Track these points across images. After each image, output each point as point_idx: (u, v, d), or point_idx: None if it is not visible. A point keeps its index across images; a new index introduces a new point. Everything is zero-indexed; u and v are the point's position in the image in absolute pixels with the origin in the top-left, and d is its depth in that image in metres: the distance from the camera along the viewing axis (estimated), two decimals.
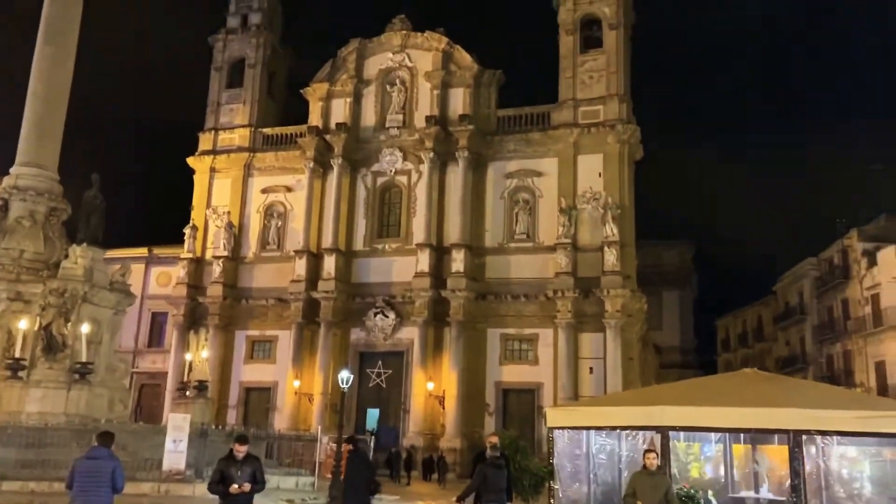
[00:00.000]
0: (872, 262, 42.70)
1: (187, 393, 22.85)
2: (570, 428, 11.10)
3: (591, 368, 38.89)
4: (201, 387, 22.20)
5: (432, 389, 39.72)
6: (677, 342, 69.80)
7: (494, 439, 10.79)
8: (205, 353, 22.93)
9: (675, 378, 62.69)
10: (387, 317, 42.06)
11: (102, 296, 19.23)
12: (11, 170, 20.79)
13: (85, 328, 17.54)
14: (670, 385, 14.80)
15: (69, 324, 17.97)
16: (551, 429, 11.22)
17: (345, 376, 22.02)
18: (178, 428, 16.48)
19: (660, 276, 66.07)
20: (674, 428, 9.75)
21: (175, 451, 16.44)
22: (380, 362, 42.25)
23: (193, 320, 44.07)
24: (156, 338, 49.12)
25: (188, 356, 23.61)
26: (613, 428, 10.46)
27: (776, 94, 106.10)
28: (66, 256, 19.15)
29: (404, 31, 45.99)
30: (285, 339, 43.54)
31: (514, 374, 40.14)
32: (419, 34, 45.73)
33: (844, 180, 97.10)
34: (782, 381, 13.87)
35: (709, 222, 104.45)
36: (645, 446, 9.59)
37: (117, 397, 19.82)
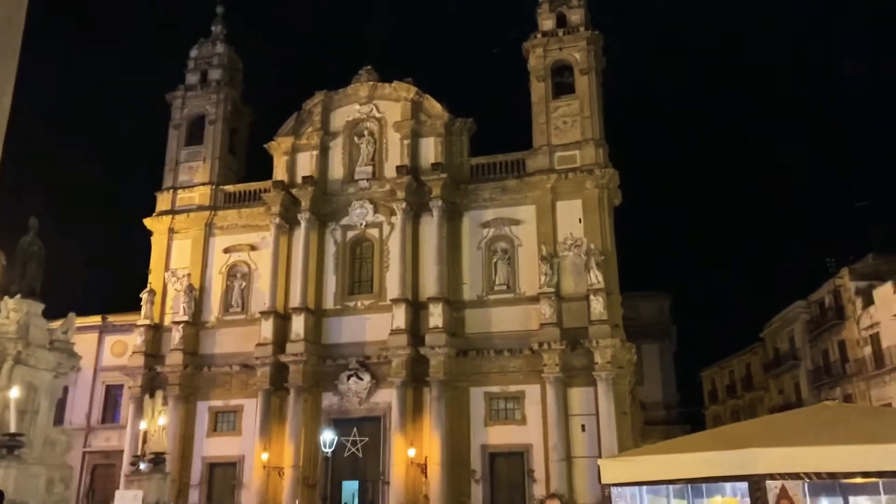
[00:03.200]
0: (869, 301, 41.44)
1: (142, 467, 19.86)
2: (635, 484, 8.82)
3: (583, 426, 36.42)
4: (158, 460, 19.25)
5: (413, 456, 36.71)
6: (660, 397, 67.51)
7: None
8: (162, 421, 20.06)
9: (660, 436, 60.45)
10: (361, 379, 39.26)
11: (40, 356, 16.51)
12: None
13: (14, 393, 14.74)
14: (738, 425, 12.55)
15: None
16: (608, 486, 8.90)
17: (327, 439, 19.32)
18: None
19: (638, 328, 64.21)
20: (776, 476, 7.54)
21: None
22: (355, 429, 39.13)
23: (151, 392, 40.43)
24: (110, 413, 45.33)
25: (143, 424, 20.69)
26: (693, 480, 8.23)
27: (753, 134, 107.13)
28: None
29: (371, 82, 44.65)
30: (251, 409, 40.35)
31: (501, 435, 37.42)
32: (387, 84, 44.42)
33: (823, 221, 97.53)
34: (879, 413, 11.64)
35: (684, 271, 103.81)
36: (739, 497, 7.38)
37: (57, 476, 16.85)
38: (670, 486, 10.36)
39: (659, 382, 68.06)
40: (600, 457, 35.22)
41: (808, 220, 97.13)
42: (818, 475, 7.58)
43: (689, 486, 10.41)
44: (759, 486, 7.53)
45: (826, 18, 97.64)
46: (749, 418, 62.07)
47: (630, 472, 9.07)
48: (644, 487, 9.08)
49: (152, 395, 21.81)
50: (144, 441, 20.63)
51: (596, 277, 37.26)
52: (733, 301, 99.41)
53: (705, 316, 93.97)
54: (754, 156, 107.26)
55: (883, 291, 40.37)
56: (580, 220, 39.40)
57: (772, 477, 7.58)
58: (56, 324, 17.97)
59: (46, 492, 16.06)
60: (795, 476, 7.53)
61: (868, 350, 41.16)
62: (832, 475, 7.58)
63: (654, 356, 68.96)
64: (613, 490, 8.90)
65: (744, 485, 9.07)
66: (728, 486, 11.31)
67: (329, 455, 19.64)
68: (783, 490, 7.43)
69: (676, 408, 67.11)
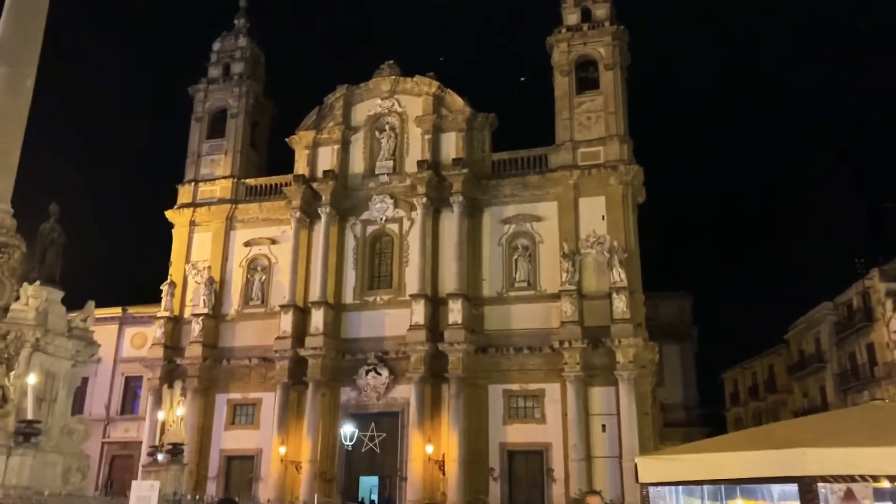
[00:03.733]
0: None
1: (159, 458, 19.72)
2: (674, 484, 8.43)
3: (603, 426, 35.92)
4: (176, 451, 19.10)
5: (431, 453, 36.42)
6: (680, 398, 66.64)
7: (595, 500, 8.18)
8: (180, 411, 19.92)
9: (680, 438, 59.68)
10: (380, 374, 39.01)
11: (58, 343, 16.36)
12: None
13: (32, 379, 14.60)
14: (783, 424, 12.09)
15: (12, 374, 15.05)
16: (645, 486, 8.51)
17: (348, 432, 19.04)
18: (143, 499, 13.48)
19: (658, 329, 63.33)
20: (828, 479, 7.11)
21: None
22: (373, 424, 38.90)
23: (170, 384, 40.44)
24: (129, 404, 45.53)
25: (160, 415, 20.56)
26: (739, 481, 7.82)
27: (778, 133, 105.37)
28: (18, 298, 16.38)
29: (393, 77, 44.37)
30: (269, 402, 40.24)
31: (520, 433, 37.00)
32: (408, 79, 44.12)
33: (851, 221, 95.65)
34: None
35: (707, 270, 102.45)
36: None
37: (75, 466, 16.73)
38: (704, 488, 9.95)
39: (679, 384, 67.20)
40: (621, 457, 34.86)
41: (835, 221, 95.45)
42: (876, 478, 7.14)
43: (723, 487, 10.01)
44: (810, 489, 7.11)
45: (859, 13, 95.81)
46: (772, 421, 61.19)
47: (671, 470, 8.63)
48: (679, 488, 8.69)
49: (171, 386, 21.73)
50: (162, 432, 20.48)
51: (619, 275, 36.73)
52: (757, 302, 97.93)
53: (728, 317, 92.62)
54: (782, 154, 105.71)
55: None
56: (603, 217, 38.87)
57: (824, 479, 7.16)
58: (75, 314, 17.89)
59: (63, 481, 15.92)
60: (850, 479, 7.10)
61: None
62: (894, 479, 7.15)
63: (675, 357, 68.08)
64: (651, 490, 8.50)
65: (783, 487, 8.66)
66: (764, 489, 10.89)
67: (349, 449, 19.37)
68: (849, 492, 7.01)
69: (697, 409, 66.25)
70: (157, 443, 21.89)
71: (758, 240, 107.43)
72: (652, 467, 8.76)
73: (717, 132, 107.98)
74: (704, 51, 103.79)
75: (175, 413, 19.91)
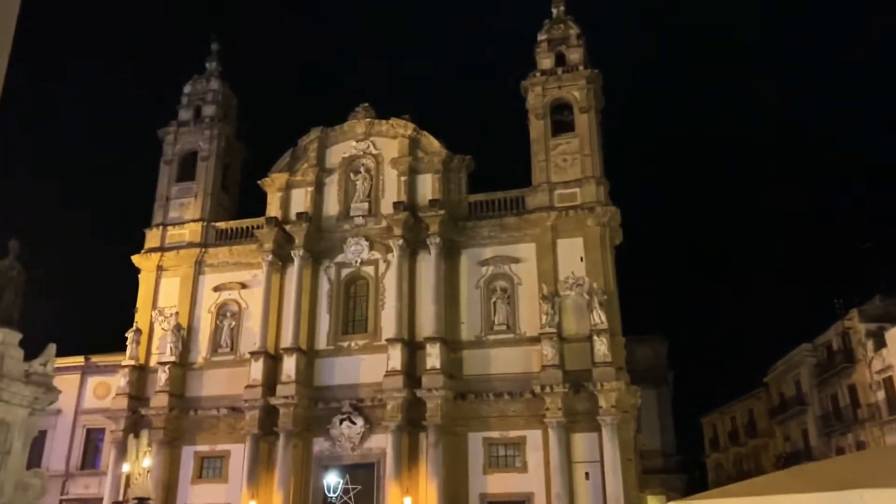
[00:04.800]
0: (880, 344, 40.31)
1: None
2: None
3: (587, 473, 34.84)
4: None
5: None
6: (658, 445, 65.56)
7: None
8: (147, 462, 18.47)
9: (659, 485, 58.81)
10: (354, 423, 37.58)
11: (15, 390, 15.09)
12: None
13: None
14: (826, 463, 11.27)
15: None
16: None
17: (331, 483, 17.78)
18: None
19: (634, 373, 62.59)
20: None
21: None
22: (347, 477, 37.29)
23: (136, 434, 38.62)
24: (91, 458, 43.29)
25: (125, 467, 19.08)
26: None
27: (753, 173, 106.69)
28: None
29: (368, 119, 43.96)
30: (238, 454, 38.50)
31: (501, 483, 35.71)
32: (384, 121, 43.75)
33: (825, 262, 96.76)
34: None
35: (682, 314, 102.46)
36: None
37: None
38: None
39: (657, 430, 66.17)
40: None
41: (808, 263, 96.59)
42: None
43: None
44: None
45: (828, 52, 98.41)
46: (753, 466, 60.38)
47: None
48: None
49: (137, 436, 20.31)
50: (127, 485, 18.99)
51: (599, 318, 36.13)
52: (734, 345, 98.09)
53: (705, 360, 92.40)
54: (756, 193, 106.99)
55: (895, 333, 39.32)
56: (581, 258, 38.42)
57: None
58: (34, 361, 16.63)
59: None
60: None
61: (881, 394, 39.90)
62: None
63: (652, 402, 67.04)
64: None
65: None
66: None
67: (333, 500, 18.08)
68: None
69: (675, 456, 65.31)
70: (121, 498, 20.32)
71: (733, 282, 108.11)
72: None
73: (689, 172, 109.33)
74: (677, 92, 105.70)
75: (141, 465, 18.46)
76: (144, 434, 21.66)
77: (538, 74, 43.06)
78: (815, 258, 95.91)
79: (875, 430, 40.30)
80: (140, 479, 18.25)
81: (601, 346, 35.61)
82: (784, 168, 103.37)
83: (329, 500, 17.69)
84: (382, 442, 36.75)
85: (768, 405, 56.04)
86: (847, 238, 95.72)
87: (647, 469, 61.58)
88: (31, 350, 17.46)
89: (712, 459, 66.06)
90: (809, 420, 48.52)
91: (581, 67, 42.66)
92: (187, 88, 49.49)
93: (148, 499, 18.13)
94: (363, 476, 37.07)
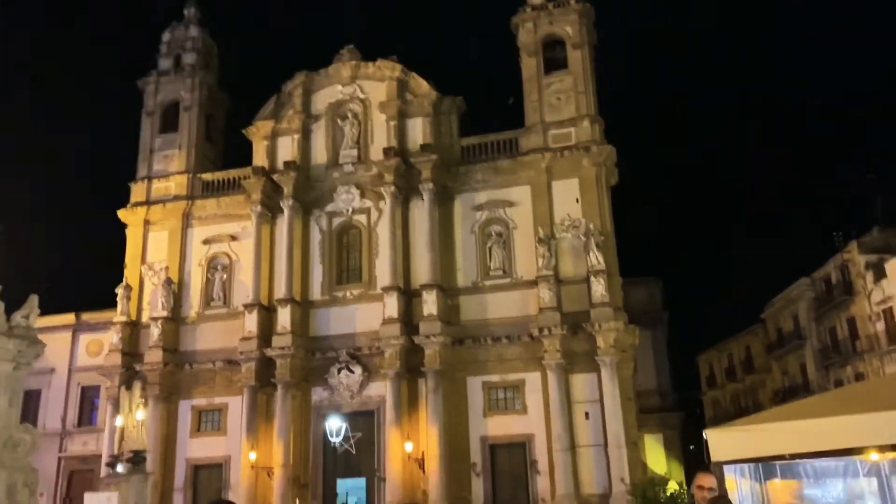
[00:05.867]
0: (880, 275, 39.97)
1: (119, 469, 17.74)
2: (757, 460, 7.02)
3: (586, 413, 34.79)
4: (138, 459, 17.15)
5: (410, 451, 34.86)
6: (654, 385, 65.93)
7: (709, 481, 6.63)
8: (140, 415, 17.99)
9: (656, 424, 59.28)
10: (352, 372, 37.29)
11: None
12: None
13: None
14: (873, 382, 10.77)
15: None
16: (719, 465, 7.07)
17: (333, 427, 17.32)
18: None
19: (629, 316, 62.78)
20: None
21: None
22: (347, 425, 37.18)
23: (129, 387, 38.43)
24: (87, 416, 43.03)
25: (119, 421, 18.60)
26: (842, 452, 6.47)
27: (749, 107, 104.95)
28: None
29: (354, 62, 42.59)
30: (236, 407, 38.24)
31: (502, 426, 35.66)
32: (370, 63, 42.39)
33: (823, 196, 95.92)
34: None
35: (677, 253, 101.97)
36: None
37: (21, 481, 14.79)
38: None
39: (653, 370, 66.30)
40: (606, 445, 33.74)
41: (804, 197, 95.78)
42: None
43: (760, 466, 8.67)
44: None
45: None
46: (751, 402, 60.75)
47: (753, 443, 7.18)
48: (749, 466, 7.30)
49: (130, 388, 19.81)
50: (122, 439, 18.54)
51: (596, 259, 35.64)
52: (730, 283, 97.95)
53: (701, 299, 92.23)
54: (754, 128, 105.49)
55: None
56: (577, 199, 37.74)
57: None
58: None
59: (8, 498, 14.02)
60: None
61: (881, 325, 39.78)
62: None
63: (647, 344, 67.10)
64: (729, 470, 7.10)
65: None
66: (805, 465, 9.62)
67: (336, 446, 17.74)
68: None
69: (671, 395, 65.76)
70: (116, 452, 19.88)
71: (727, 219, 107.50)
72: (726, 441, 7.35)
73: (684, 108, 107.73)
74: (674, 25, 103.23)
75: (135, 417, 17.96)
76: (137, 386, 21.17)
77: (529, 9, 41.69)
78: (813, 193, 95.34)
79: (875, 361, 40.30)
80: (135, 432, 17.77)
81: (599, 287, 35.20)
82: (781, 103, 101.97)
83: (333, 445, 17.30)
84: (381, 390, 36.53)
85: (765, 341, 56.10)
86: (845, 171, 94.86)
87: (643, 409, 61.82)
88: (18, 305, 16.78)
89: (709, 397, 66.52)
90: (808, 354, 48.57)
91: (573, 1, 41.29)
92: (166, 36, 47.88)
93: (144, 451, 17.66)
94: (363, 423, 36.97)
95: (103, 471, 29.75)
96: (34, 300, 15.37)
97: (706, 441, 7.66)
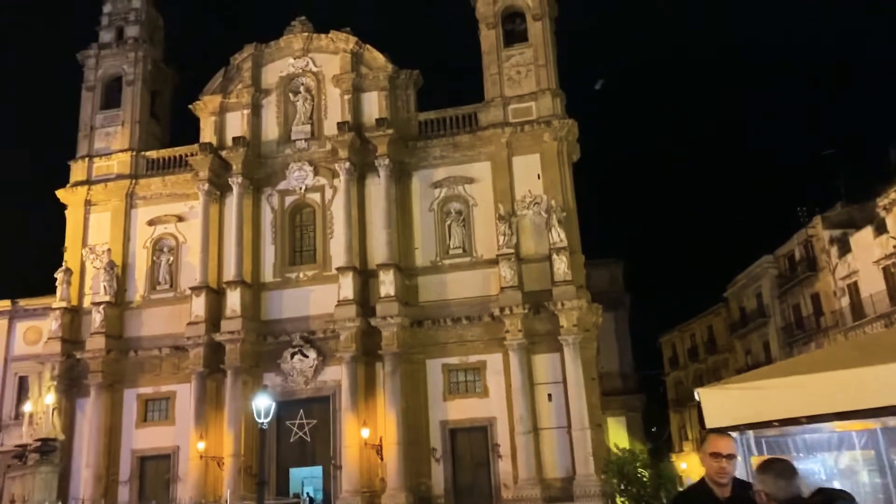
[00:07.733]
0: (845, 249, 39.62)
1: (26, 460, 16.00)
2: (759, 425, 5.83)
3: (549, 395, 33.83)
4: (46, 448, 15.36)
5: (367, 437, 33.53)
6: (616, 367, 65.66)
7: (727, 445, 4.91)
8: (49, 399, 16.24)
9: (619, 406, 58.82)
10: (306, 356, 35.79)
11: None
12: None
13: None
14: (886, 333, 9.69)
15: None
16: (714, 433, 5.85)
17: (262, 406, 15.86)
18: None
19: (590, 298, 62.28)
20: None
21: None
22: (301, 412, 35.77)
23: (71, 381, 36.44)
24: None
25: (28, 407, 16.78)
26: (842, 415, 5.32)
27: (711, 83, 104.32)
28: None
29: (306, 34, 40.80)
30: (185, 395, 36.49)
31: (462, 409, 34.53)
32: (323, 35, 40.65)
33: (785, 173, 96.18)
34: None
35: (638, 232, 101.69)
36: None
37: None
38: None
39: (615, 352, 65.96)
40: (569, 427, 32.78)
41: (768, 175, 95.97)
42: None
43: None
44: None
45: None
46: (714, 381, 60.53)
47: (752, 405, 5.90)
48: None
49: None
50: (31, 425, 16.75)
51: (558, 236, 34.58)
52: (691, 263, 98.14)
53: (663, 280, 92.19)
54: (714, 105, 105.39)
55: (861, 237, 38.35)
56: (539, 175, 36.63)
57: None
58: None
59: None
60: None
61: (846, 301, 39.47)
62: None
63: (609, 326, 66.90)
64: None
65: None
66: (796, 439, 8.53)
67: (264, 427, 16.35)
68: None
69: (634, 376, 65.47)
70: (24, 441, 17.98)
71: (689, 198, 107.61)
72: (721, 403, 6.08)
73: (645, 85, 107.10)
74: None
75: (44, 402, 16.20)
76: (47, 368, 19.32)
77: None
78: (776, 169, 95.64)
79: (840, 337, 39.95)
80: (43, 419, 15.99)
81: (561, 265, 34.16)
82: (746, 79, 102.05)
83: (261, 426, 15.88)
84: (337, 374, 35.12)
85: (728, 320, 55.88)
86: (807, 146, 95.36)
87: (606, 391, 61.31)
88: None
89: (672, 378, 66.35)
90: (771, 332, 48.32)
91: None
92: (107, 7, 45.38)
93: (54, 440, 15.86)
94: (319, 410, 35.62)
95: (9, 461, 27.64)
96: None
97: (699, 400, 6.38)
